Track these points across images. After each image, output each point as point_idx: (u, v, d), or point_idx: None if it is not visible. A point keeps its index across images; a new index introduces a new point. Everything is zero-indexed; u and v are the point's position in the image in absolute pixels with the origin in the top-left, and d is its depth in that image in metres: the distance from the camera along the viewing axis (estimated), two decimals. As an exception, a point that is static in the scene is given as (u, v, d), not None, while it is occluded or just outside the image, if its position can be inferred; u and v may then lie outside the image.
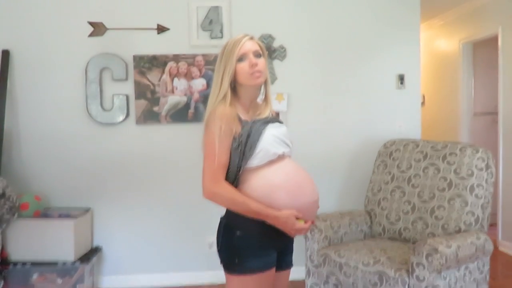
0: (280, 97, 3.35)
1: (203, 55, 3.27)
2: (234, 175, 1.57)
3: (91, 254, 3.10)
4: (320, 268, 2.62)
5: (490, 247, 2.48)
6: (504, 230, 4.05)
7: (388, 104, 3.47)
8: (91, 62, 3.20)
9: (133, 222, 3.31)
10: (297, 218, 1.57)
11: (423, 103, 5.23)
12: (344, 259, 2.48)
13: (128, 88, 3.26)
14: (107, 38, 3.24)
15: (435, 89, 5.37)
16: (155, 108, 3.28)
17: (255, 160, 1.56)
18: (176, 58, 3.27)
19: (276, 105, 3.30)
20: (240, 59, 1.61)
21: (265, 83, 1.70)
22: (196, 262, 3.35)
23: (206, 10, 3.29)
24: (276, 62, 3.36)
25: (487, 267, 2.54)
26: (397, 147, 3.03)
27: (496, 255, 3.80)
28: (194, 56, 3.27)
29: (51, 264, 2.89)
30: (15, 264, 2.87)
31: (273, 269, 1.61)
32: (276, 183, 1.57)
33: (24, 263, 2.87)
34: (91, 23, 3.22)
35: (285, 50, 3.37)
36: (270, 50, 3.33)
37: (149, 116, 3.28)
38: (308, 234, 2.69)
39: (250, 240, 1.57)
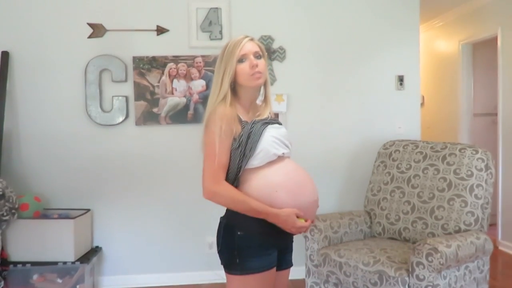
0: (280, 98, 3.35)
1: (203, 56, 3.28)
2: (235, 175, 1.58)
3: (91, 254, 3.11)
4: (320, 267, 2.62)
5: (490, 246, 2.49)
6: (504, 230, 4.06)
7: (388, 105, 3.48)
8: (90, 63, 3.21)
9: (133, 222, 3.32)
10: (298, 217, 1.57)
11: (422, 104, 5.23)
12: (344, 259, 2.49)
13: (128, 89, 3.27)
14: (107, 40, 3.25)
15: (434, 90, 5.38)
16: (155, 109, 3.28)
17: (256, 160, 1.57)
18: (176, 59, 3.27)
19: (275, 106, 3.30)
20: (241, 60, 1.62)
21: (265, 84, 1.71)
22: (196, 262, 3.35)
23: (205, 12, 3.29)
24: (275, 63, 3.37)
25: (487, 267, 2.55)
26: (397, 148, 3.04)
27: (496, 255, 3.81)
28: (193, 57, 3.28)
29: (51, 265, 2.89)
30: (15, 264, 2.87)
31: (274, 269, 1.61)
32: (276, 183, 1.57)
33: (24, 264, 2.87)
34: (90, 25, 3.23)
35: (284, 51, 3.37)
36: (270, 51, 3.33)
37: (148, 117, 3.28)
38: (308, 234, 2.70)
39: (251, 240, 1.57)
